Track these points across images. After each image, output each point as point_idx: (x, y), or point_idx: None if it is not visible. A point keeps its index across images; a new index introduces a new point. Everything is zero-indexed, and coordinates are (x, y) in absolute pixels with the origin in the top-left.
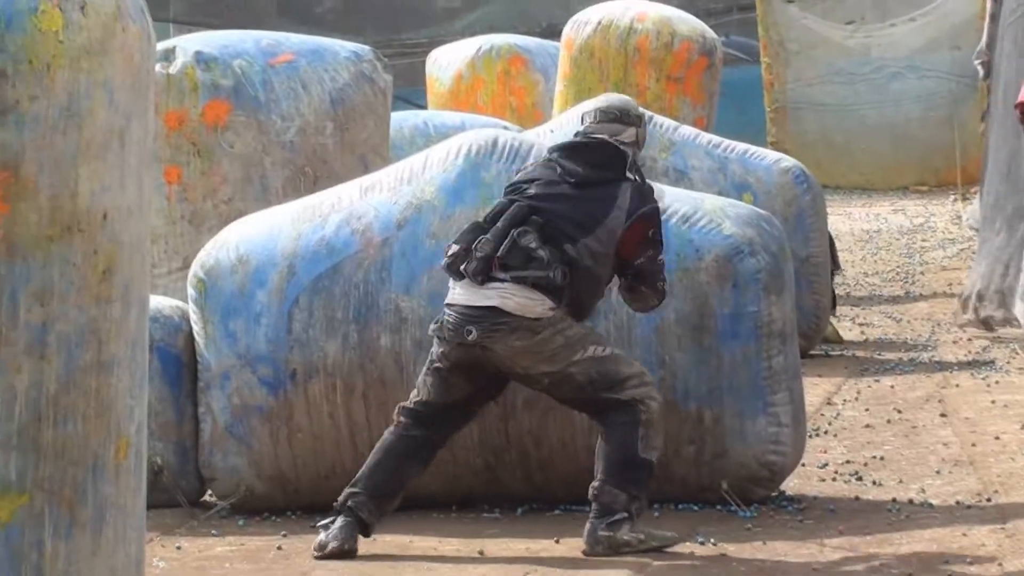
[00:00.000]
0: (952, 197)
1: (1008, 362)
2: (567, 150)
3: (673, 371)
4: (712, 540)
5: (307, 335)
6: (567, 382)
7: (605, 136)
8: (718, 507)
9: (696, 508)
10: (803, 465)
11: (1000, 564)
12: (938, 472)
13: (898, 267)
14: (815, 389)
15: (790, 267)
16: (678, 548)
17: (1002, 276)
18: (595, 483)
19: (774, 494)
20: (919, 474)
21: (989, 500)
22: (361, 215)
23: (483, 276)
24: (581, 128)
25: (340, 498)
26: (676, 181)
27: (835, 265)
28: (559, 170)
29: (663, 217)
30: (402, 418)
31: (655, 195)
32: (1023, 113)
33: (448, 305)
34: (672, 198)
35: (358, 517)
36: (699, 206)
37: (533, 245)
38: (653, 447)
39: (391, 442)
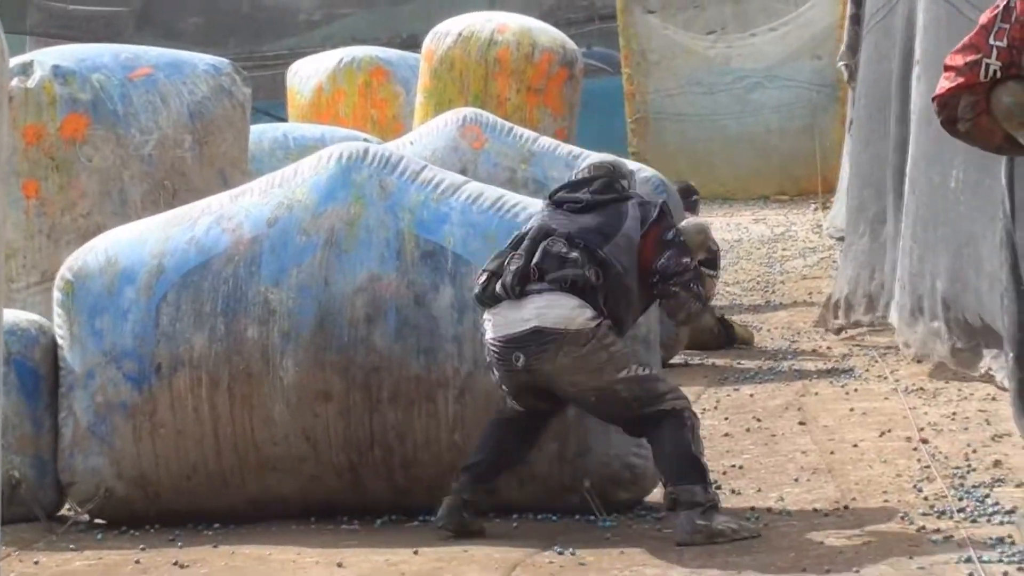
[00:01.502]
0: (812, 206)
1: (867, 370)
2: (570, 186)
3: None
4: (571, 549)
5: (174, 328)
6: (614, 399)
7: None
8: (577, 516)
9: (555, 518)
10: None
11: (857, 571)
12: (796, 480)
13: (759, 276)
14: None
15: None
16: (536, 558)
17: (868, 279)
18: (669, 488)
19: (634, 502)
20: (778, 482)
21: (847, 507)
22: (231, 216)
23: (520, 288)
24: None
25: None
26: (536, 192)
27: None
28: (563, 205)
29: (524, 229)
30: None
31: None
32: (939, 106)
33: (491, 340)
34: (533, 209)
35: (462, 498)
36: None
37: (565, 250)
38: (701, 451)
39: (494, 424)
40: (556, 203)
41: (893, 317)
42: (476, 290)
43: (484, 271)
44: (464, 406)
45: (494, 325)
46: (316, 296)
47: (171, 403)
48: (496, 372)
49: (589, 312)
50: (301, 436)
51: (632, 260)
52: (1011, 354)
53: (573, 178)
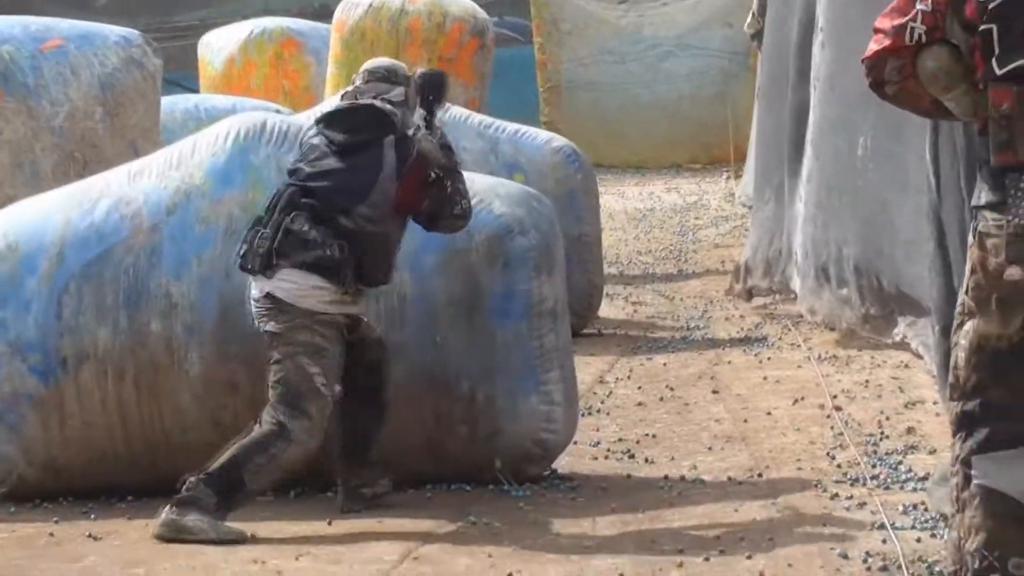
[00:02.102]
0: (725, 174)
1: (780, 338)
2: (327, 119)
3: (446, 351)
4: (484, 519)
5: (77, 321)
6: (273, 368)
7: (368, 98)
8: (491, 487)
9: (469, 488)
10: (575, 443)
11: (771, 539)
12: (710, 449)
13: (671, 245)
14: (588, 368)
15: (561, 246)
16: (450, 528)
17: (768, 245)
18: (200, 475)
19: (547, 472)
20: (691, 451)
21: (760, 475)
22: (130, 200)
23: (269, 270)
24: (350, 89)
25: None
26: None
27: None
28: (325, 140)
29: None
30: None
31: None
32: (867, 69)
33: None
34: None
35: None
36: (470, 186)
37: (305, 228)
38: (259, 481)
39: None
40: (320, 130)
41: (794, 283)
42: (237, 262)
43: (243, 243)
44: None
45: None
46: (218, 288)
47: (78, 395)
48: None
49: (332, 288)
50: (210, 423)
51: (387, 206)
52: (937, 326)
53: (340, 102)
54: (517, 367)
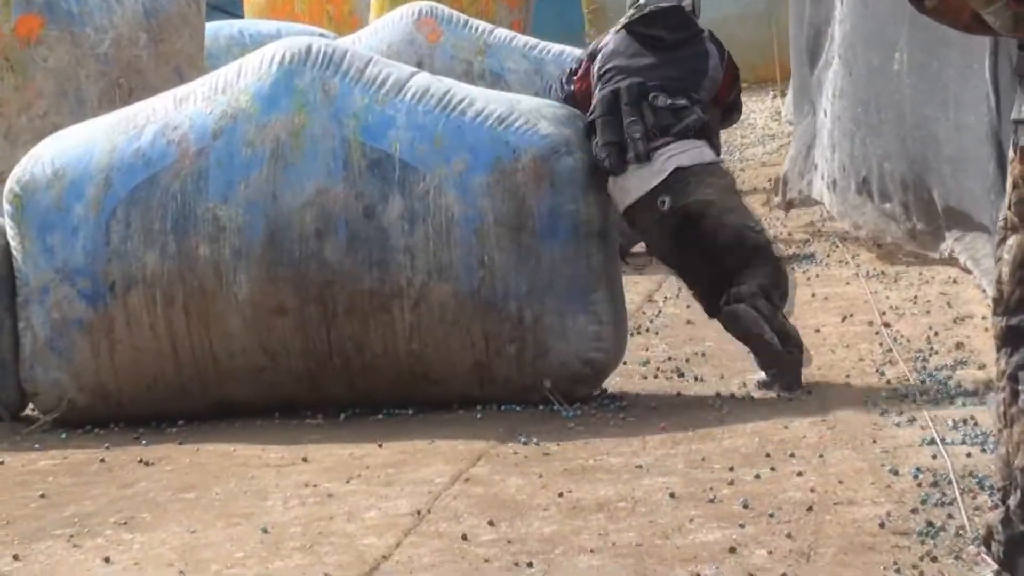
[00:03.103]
0: (772, 94)
1: (828, 255)
2: (644, 20)
3: (493, 272)
4: (535, 440)
5: (125, 247)
6: (742, 239)
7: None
8: (540, 407)
9: (518, 409)
10: (625, 363)
11: (821, 456)
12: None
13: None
14: (636, 287)
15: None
16: (501, 448)
17: (804, 158)
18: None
19: (596, 392)
20: (740, 369)
21: (810, 392)
22: (176, 125)
23: (649, 151)
24: (640, 2)
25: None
26: (493, 84)
27: None
28: (639, 41)
29: (480, 119)
30: None
31: None
32: None
33: (631, 203)
34: (487, 100)
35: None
36: (515, 107)
37: (670, 101)
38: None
39: None
40: (632, 35)
41: (819, 193)
42: (606, 162)
43: (602, 145)
44: (419, 316)
45: (628, 189)
46: (265, 211)
47: (127, 320)
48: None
49: (711, 151)
50: (259, 348)
51: (711, 94)
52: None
53: (641, 8)
54: (565, 287)
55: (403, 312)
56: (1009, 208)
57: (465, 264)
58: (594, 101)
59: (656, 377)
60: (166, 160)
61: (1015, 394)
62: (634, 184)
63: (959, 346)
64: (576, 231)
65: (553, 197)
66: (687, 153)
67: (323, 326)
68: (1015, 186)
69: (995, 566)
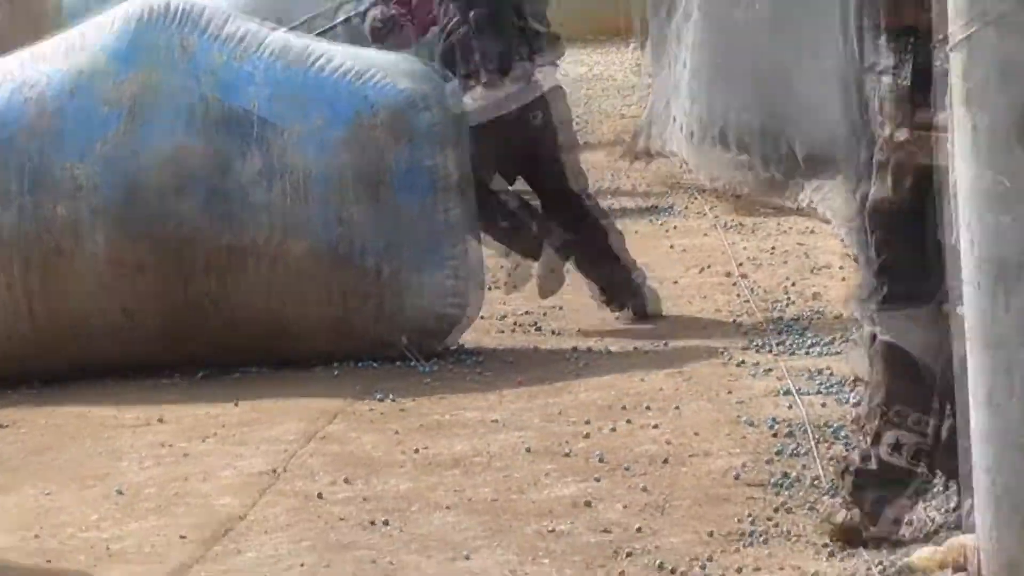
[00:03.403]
0: (631, 45)
1: (686, 207)
2: None
3: (351, 227)
4: (391, 396)
5: None
6: None
7: None
8: (397, 363)
9: (376, 365)
10: (482, 318)
11: (677, 408)
12: (616, 318)
13: (576, 117)
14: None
15: (466, 121)
16: (357, 405)
17: (663, 110)
18: None
19: (453, 347)
20: (597, 322)
21: (666, 344)
22: (33, 84)
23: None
24: None
25: None
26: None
27: None
28: None
29: (338, 75)
30: None
31: None
32: None
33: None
34: (345, 56)
35: None
36: (373, 62)
37: (537, 25)
38: None
39: None
40: None
41: (677, 145)
42: (488, 69)
43: (486, 54)
44: (277, 272)
45: (499, 101)
46: (122, 169)
47: None
48: None
49: None
50: (117, 308)
51: None
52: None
53: None
54: (422, 242)
55: (260, 268)
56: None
57: (322, 220)
58: (448, 17)
59: (513, 332)
60: (23, 119)
61: (873, 336)
62: (510, 96)
63: (815, 296)
64: (434, 186)
65: (411, 152)
66: (551, 75)
67: (180, 284)
68: (872, 136)
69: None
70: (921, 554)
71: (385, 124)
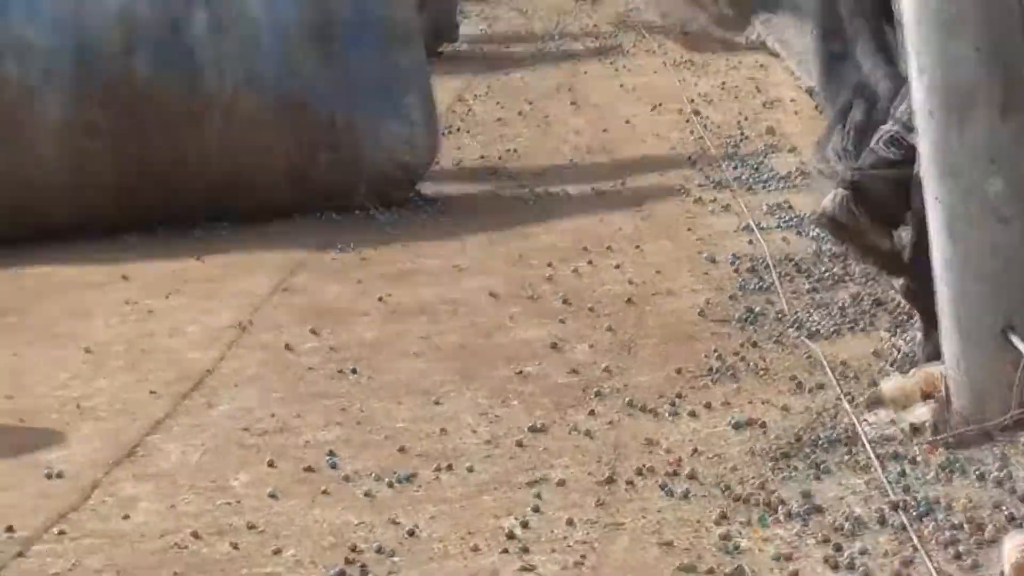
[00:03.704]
0: None
1: (635, 46)
2: None
3: (302, 79)
4: (352, 246)
5: None
6: None
7: None
8: (358, 213)
9: (336, 217)
10: (439, 165)
11: (638, 247)
12: (572, 161)
13: None
14: (446, 87)
15: None
16: (321, 256)
17: None
18: None
19: (412, 195)
20: (554, 165)
21: (624, 184)
22: None
23: None
24: None
25: None
26: None
27: None
28: None
29: None
30: None
31: None
32: None
33: None
34: None
35: None
36: None
37: None
38: None
39: None
40: None
41: None
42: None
43: None
44: (231, 127)
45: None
46: (72, 31)
47: None
48: None
49: None
50: (72, 169)
51: None
52: (816, 31)
53: None
54: (375, 91)
55: (214, 124)
56: None
57: (275, 73)
58: None
59: (471, 178)
60: None
61: None
62: None
63: (770, 131)
64: (384, 36)
65: (361, 2)
66: None
67: (135, 143)
68: None
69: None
70: (889, 384)
71: None
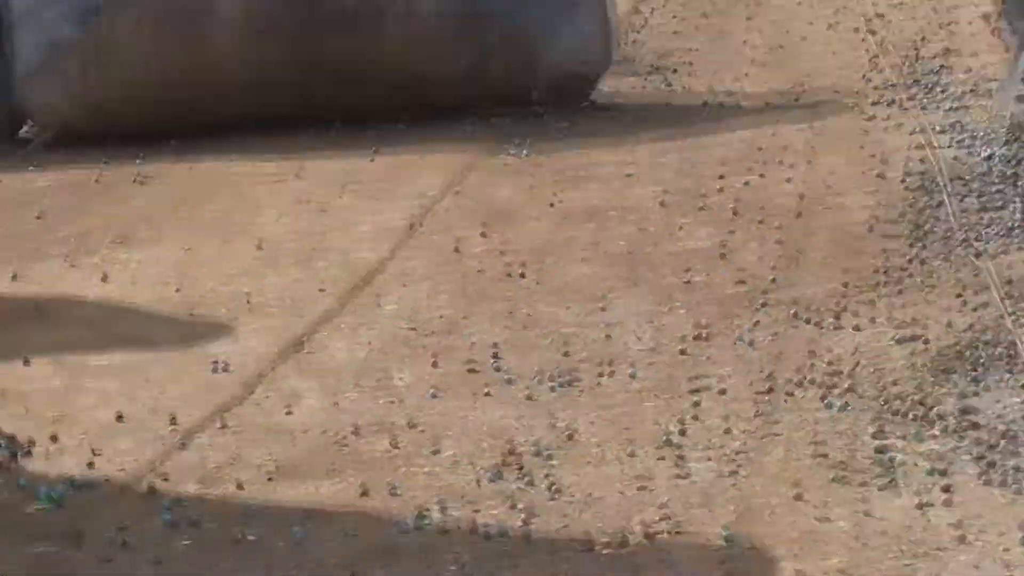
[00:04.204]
0: None
1: None
2: None
3: None
4: (525, 150)
5: None
6: None
7: None
8: (531, 117)
9: (509, 119)
10: (613, 72)
11: (809, 161)
12: (747, 74)
13: None
14: None
15: None
16: (491, 160)
17: None
18: None
19: (585, 103)
20: (729, 76)
21: (797, 99)
22: None
23: None
24: None
25: None
26: None
27: None
28: None
29: None
30: None
31: None
32: None
33: None
34: None
35: None
36: None
37: None
38: None
39: None
40: None
41: None
42: None
43: None
44: (408, 28)
45: None
46: None
47: (117, 42)
48: None
49: None
50: (250, 64)
51: None
52: None
53: None
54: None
55: (392, 25)
56: None
57: None
58: None
59: (644, 87)
60: None
61: None
62: None
63: (946, 51)
64: None
65: None
66: None
67: (310, 39)
68: None
69: None
70: None
71: None
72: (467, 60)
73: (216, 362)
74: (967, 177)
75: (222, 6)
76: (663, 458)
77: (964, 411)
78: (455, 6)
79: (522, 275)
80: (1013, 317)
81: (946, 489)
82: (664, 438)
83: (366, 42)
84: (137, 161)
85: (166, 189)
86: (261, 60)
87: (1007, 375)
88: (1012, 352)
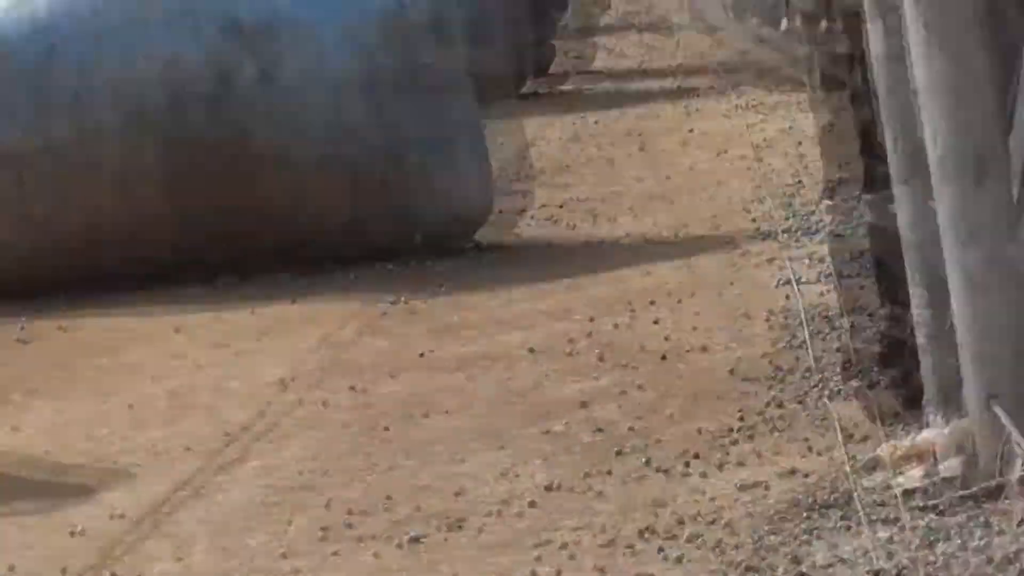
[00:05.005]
0: None
1: (711, 87)
2: None
3: (352, 130)
4: (403, 299)
5: None
6: None
7: None
8: (413, 263)
9: (391, 266)
10: (500, 212)
11: (679, 301)
12: (631, 209)
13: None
14: (516, 134)
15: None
16: (369, 310)
17: None
18: None
19: (469, 245)
20: (613, 213)
21: (677, 235)
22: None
23: None
24: None
25: None
26: None
27: None
28: None
29: None
30: None
31: None
32: None
33: None
34: None
35: None
36: None
37: None
38: None
39: None
40: None
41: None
42: None
43: None
44: (283, 181)
45: None
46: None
47: None
48: None
49: None
50: (132, 218)
51: None
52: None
53: None
54: (429, 142)
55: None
56: None
57: (329, 124)
58: None
59: (529, 226)
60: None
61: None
62: None
63: (827, 180)
64: (433, 86)
65: (406, 52)
66: None
67: (193, 194)
68: None
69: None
70: (888, 447)
71: (379, 26)
72: (346, 212)
73: (74, 528)
74: (830, 313)
75: (104, 160)
76: None
77: (795, 560)
78: (330, 158)
79: (386, 429)
80: (854, 461)
81: None
82: None
83: (243, 196)
84: (20, 324)
85: (46, 350)
86: (140, 213)
87: (841, 522)
88: (848, 498)
